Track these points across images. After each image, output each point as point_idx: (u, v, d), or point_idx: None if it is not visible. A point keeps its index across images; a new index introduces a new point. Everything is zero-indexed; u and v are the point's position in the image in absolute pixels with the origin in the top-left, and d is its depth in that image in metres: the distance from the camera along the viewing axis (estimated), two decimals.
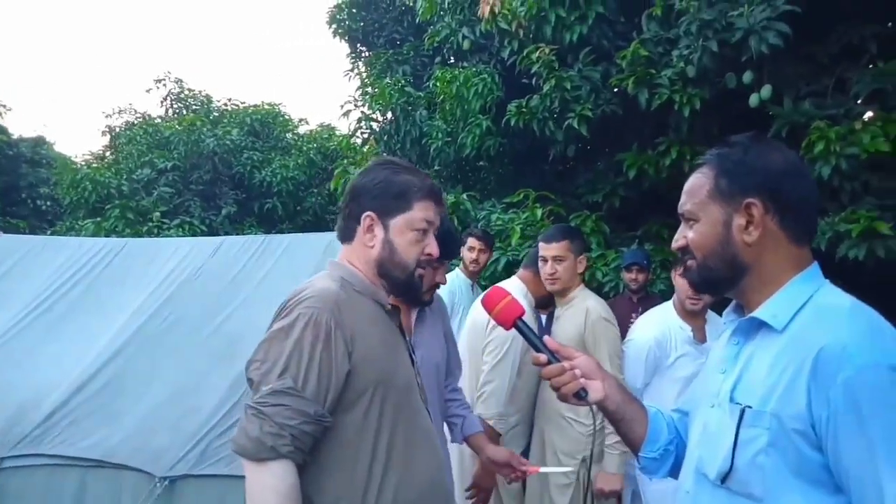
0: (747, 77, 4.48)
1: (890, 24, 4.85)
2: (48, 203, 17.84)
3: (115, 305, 4.41)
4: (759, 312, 1.15)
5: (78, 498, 3.34)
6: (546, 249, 2.73)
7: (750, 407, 1.08)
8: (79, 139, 51.63)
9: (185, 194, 9.44)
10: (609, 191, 5.83)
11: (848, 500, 1.00)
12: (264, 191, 10.17)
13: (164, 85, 11.54)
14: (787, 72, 4.70)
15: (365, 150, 7.95)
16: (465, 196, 5.68)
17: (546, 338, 1.37)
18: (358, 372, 1.33)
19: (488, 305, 1.44)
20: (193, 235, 8.54)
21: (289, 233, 10.06)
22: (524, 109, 5.47)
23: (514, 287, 2.76)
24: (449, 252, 2.29)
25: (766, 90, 4.46)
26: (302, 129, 12.46)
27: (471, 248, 4.01)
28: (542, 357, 1.32)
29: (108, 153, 11.38)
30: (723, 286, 1.22)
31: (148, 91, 12.07)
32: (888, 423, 0.96)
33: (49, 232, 10.43)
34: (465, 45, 6.28)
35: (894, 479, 0.94)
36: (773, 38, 4.19)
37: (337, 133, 11.21)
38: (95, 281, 4.68)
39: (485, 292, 1.59)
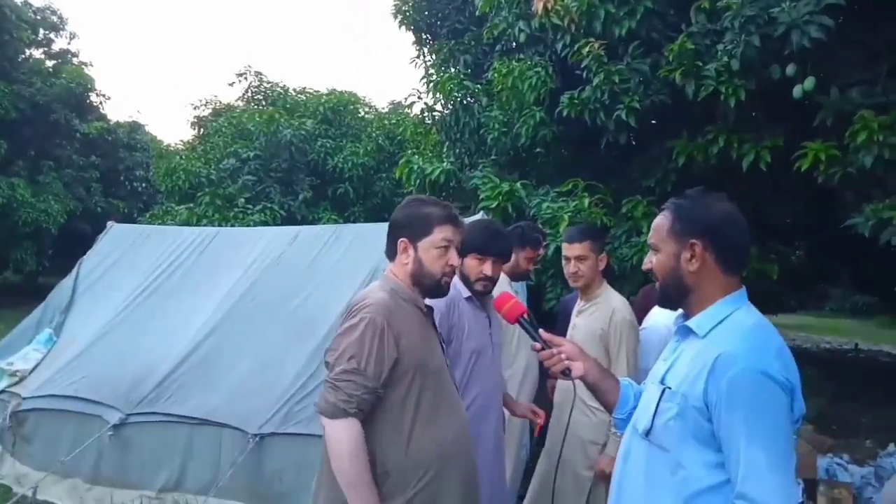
0: (791, 69, 4.57)
1: None
2: (143, 185, 19.36)
3: (209, 288, 5.09)
4: (690, 322, 1.57)
5: (187, 448, 4.03)
6: (568, 249, 3.03)
7: (669, 388, 1.52)
8: (169, 125, 54.76)
9: (265, 181, 10.19)
10: (661, 176, 5.99)
11: (724, 457, 1.41)
12: (337, 176, 10.80)
13: (245, 78, 12.34)
14: (835, 60, 4.73)
15: (429, 139, 8.34)
16: (519, 185, 5.99)
17: (541, 330, 1.83)
18: (402, 359, 1.83)
19: (498, 306, 1.90)
20: (273, 219, 9.28)
21: (360, 215, 10.71)
22: (576, 101, 5.71)
23: None
24: (498, 249, 2.68)
25: (810, 82, 4.53)
26: (371, 115, 12.99)
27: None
28: (538, 345, 1.80)
29: (197, 143, 12.29)
30: (674, 302, 1.65)
31: (231, 84, 13.00)
32: (749, 410, 1.37)
33: (148, 215, 11.49)
34: (521, 38, 6.52)
35: (748, 446, 1.35)
36: (815, 32, 4.28)
37: (405, 118, 11.65)
38: (193, 266, 5.39)
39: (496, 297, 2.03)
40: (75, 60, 18.35)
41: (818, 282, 12.72)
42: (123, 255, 5.77)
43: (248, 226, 8.36)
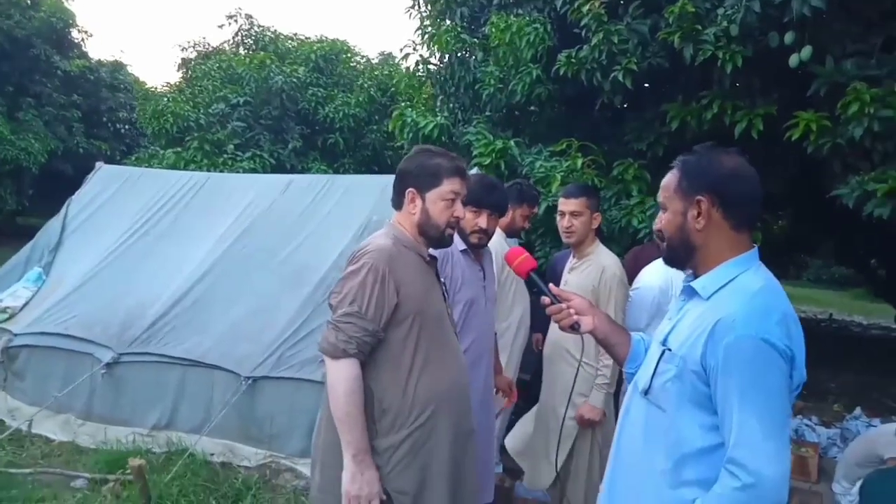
0: (789, 38, 4.59)
1: None
2: (126, 127, 18.98)
3: (201, 233, 5.10)
4: (695, 283, 1.55)
5: (180, 388, 4.11)
6: (565, 204, 3.09)
7: (669, 349, 1.52)
8: (153, 67, 53.23)
9: (255, 128, 10.04)
10: (654, 140, 6.01)
11: (719, 421, 1.41)
12: (327, 126, 10.66)
13: (236, 20, 12.02)
14: (833, 30, 4.74)
15: (422, 92, 8.25)
16: (512, 142, 6.00)
17: (550, 285, 1.85)
18: (402, 304, 1.88)
19: (509, 259, 1.94)
20: (263, 167, 9.20)
21: (350, 166, 10.64)
22: (573, 60, 5.68)
23: None
24: (493, 202, 2.73)
25: (807, 51, 4.56)
26: (363, 66, 12.77)
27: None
28: (547, 299, 1.80)
29: (184, 86, 12.03)
30: (681, 261, 1.61)
31: (220, 27, 12.65)
32: (745, 376, 1.35)
33: (133, 157, 11.31)
34: None
35: (742, 413, 1.34)
36: (815, 1, 4.29)
37: (397, 70, 11.48)
38: (184, 210, 5.38)
39: (509, 249, 2.07)
40: None
41: (799, 251, 13.00)
42: (113, 197, 5.73)
43: (237, 172, 8.28)
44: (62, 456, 3.94)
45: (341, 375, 1.83)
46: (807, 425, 5.06)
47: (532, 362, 4.01)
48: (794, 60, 4.64)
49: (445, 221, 2.01)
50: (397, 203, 2.06)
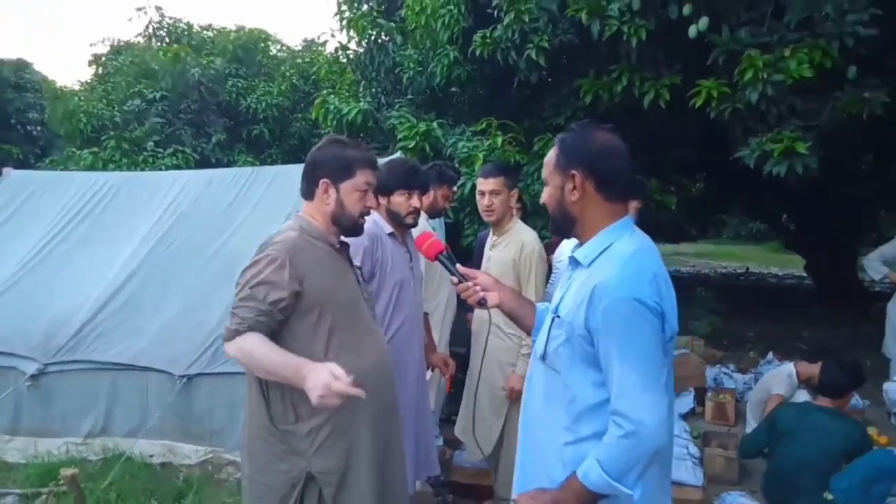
0: (687, 9, 4.84)
1: None
2: (38, 129, 17.95)
3: (123, 234, 4.96)
4: (576, 252, 1.68)
5: (112, 394, 4.04)
6: (483, 184, 3.18)
7: (559, 316, 1.66)
8: (61, 65, 50.34)
9: (175, 123, 9.72)
10: (570, 114, 6.22)
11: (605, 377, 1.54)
12: (251, 117, 10.43)
13: (146, 13, 11.55)
14: (727, 1, 5.03)
15: (344, 78, 8.21)
16: (435, 124, 6.09)
17: (458, 265, 1.97)
18: (307, 294, 1.91)
19: (418, 244, 2.07)
20: (186, 163, 8.95)
21: (277, 157, 10.47)
22: (488, 40, 5.80)
23: None
24: (421, 183, 2.87)
25: (704, 22, 4.82)
26: (284, 54, 12.52)
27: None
28: (455, 279, 1.93)
29: (97, 83, 11.50)
30: (564, 231, 1.75)
31: (129, 20, 12.11)
32: (621, 334, 1.48)
33: (48, 160, 10.77)
34: None
35: (621, 368, 1.48)
36: None
37: (320, 57, 11.32)
38: (104, 213, 5.22)
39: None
40: None
41: (715, 211, 13.70)
42: (24, 203, 5.48)
43: (158, 170, 8.04)
44: None
45: (245, 345, 1.82)
46: (724, 373, 5.43)
47: (465, 337, 4.15)
48: (692, 31, 4.90)
49: (359, 212, 2.05)
50: (307, 193, 2.08)
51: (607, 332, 1.50)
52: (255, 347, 1.82)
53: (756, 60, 4.63)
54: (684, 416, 4.63)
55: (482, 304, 1.88)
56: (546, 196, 1.73)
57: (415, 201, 2.81)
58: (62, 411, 4.12)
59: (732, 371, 5.56)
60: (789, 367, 4.02)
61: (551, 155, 1.71)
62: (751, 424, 4.11)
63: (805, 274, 11.95)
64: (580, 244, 1.71)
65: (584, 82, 5.70)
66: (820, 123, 4.78)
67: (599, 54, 5.71)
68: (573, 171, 1.62)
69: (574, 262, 1.69)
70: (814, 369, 3.67)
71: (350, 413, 1.94)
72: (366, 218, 2.13)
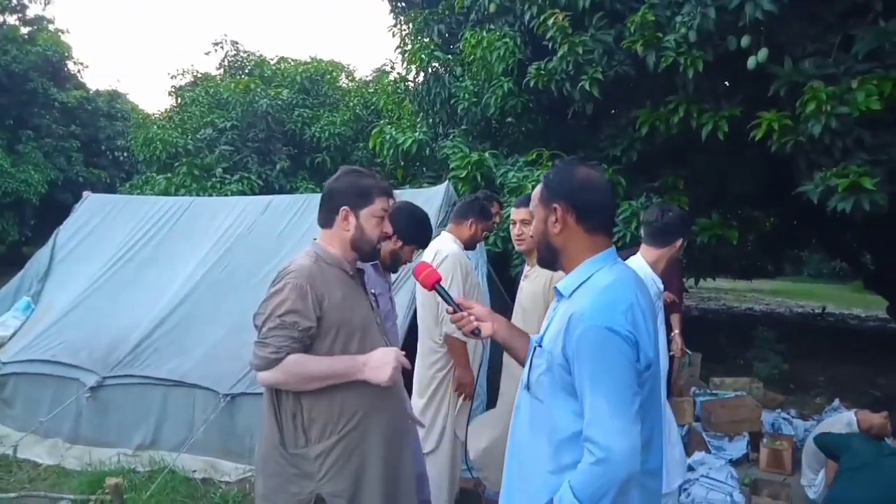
0: (745, 41, 4.71)
1: None
2: (125, 154, 19.19)
3: (183, 257, 5.22)
4: (559, 284, 1.71)
5: (162, 408, 4.21)
6: (515, 213, 3.17)
7: (540, 346, 1.68)
8: (151, 95, 53.94)
9: (243, 151, 10.21)
10: (627, 145, 6.15)
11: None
12: (314, 146, 10.83)
13: (222, 47, 12.25)
14: (791, 31, 4.86)
15: (404, 108, 8.40)
16: (487, 154, 6.12)
17: (454, 296, 2.01)
18: (325, 317, 1.97)
19: (416, 274, 2.12)
20: (251, 189, 9.35)
21: None
22: (543, 71, 5.82)
23: (446, 238, 3.35)
24: (419, 239, 2.99)
25: (763, 53, 4.68)
26: (352, 84, 12.96)
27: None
28: (450, 308, 1.97)
29: (174, 113, 12.23)
30: (550, 263, 1.78)
31: (207, 54, 12.86)
32: (593, 363, 1.50)
33: (128, 185, 11.48)
34: (492, 7, 6.57)
35: (593, 395, 1.49)
36: (767, 5, 4.42)
37: (383, 88, 11.64)
38: (167, 236, 5.51)
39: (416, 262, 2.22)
40: (51, 27, 18.00)
41: (791, 247, 13.03)
42: (99, 225, 5.87)
43: (225, 195, 8.42)
44: (48, 479, 4.02)
45: (292, 366, 1.90)
46: (784, 418, 5.11)
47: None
48: (751, 62, 4.76)
49: (377, 236, 2.13)
50: (326, 221, 2.14)
51: (580, 360, 1.52)
52: (303, 360, 1.92)
53: (819, 92, 4.44)
54: (736, 462, 4.38)
55: (476, 333, 1.92)
56: (532, 229, 1.80)
57: (407, 255, 2.95)
58: (117, 422, 4.32)
59: (793, 416, 5.23)
60: (849, 416, 3.75)
61: (537, 190, 1.78)
62: (806, 474, 3.85)
63: (889, 316, 11.17)
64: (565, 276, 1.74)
65: (641, 113, 5.62)
66: (890, 158, 4.52)
67: (656, 85, 5.63)
68: (555, 205, 1.68)
69: (558, 294, 1.73)
70: (875, 418, 3.42)
71: (361, 435, 1.98)
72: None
